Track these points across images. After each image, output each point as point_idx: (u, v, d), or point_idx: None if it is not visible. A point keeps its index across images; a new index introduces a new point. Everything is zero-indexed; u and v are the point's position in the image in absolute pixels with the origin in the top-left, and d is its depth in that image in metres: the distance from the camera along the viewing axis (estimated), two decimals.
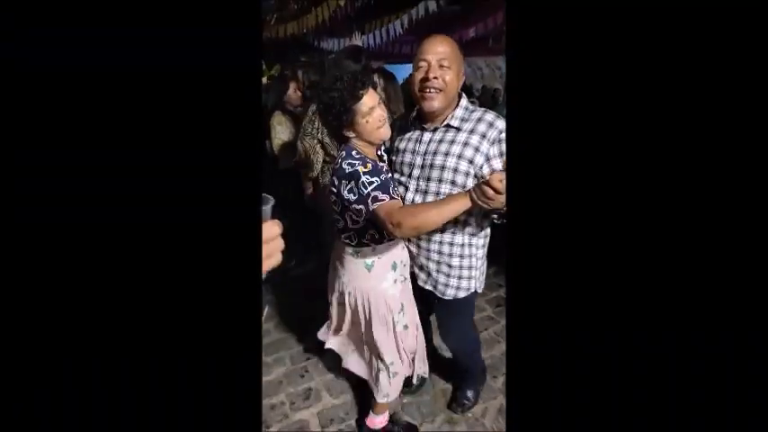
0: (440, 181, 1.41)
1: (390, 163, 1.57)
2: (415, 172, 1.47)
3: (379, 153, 1.52)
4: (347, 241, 1.51)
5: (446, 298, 1.59)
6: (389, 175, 1.42)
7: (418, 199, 1.45)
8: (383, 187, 1.29)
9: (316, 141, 2.36)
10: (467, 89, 5.27)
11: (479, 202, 1.14)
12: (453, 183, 1.38)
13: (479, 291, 1.63)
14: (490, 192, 1.08)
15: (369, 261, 1.53)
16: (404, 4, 5.63)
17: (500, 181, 1.06)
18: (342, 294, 1.61)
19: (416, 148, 1.48)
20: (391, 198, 1.29)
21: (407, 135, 1.54)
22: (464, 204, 1.19)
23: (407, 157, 1.51)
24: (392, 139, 1.58)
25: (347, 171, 1.32)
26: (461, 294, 1.58)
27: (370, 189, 1.27)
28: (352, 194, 1.31)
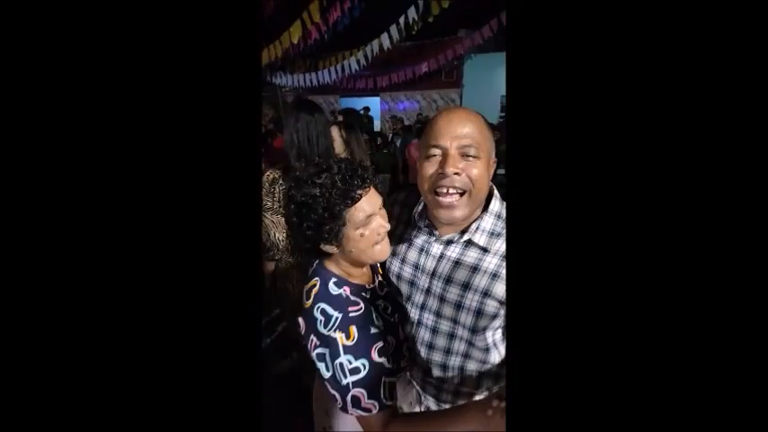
0: (455, 322, 0.95)
1: (384, 268, 1.09)
2: (418, 298, 1.00)
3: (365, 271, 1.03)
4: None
5: None
6: (377, 318, 0.94)
7: (423, 335, 1.01)
8: (371, 385, 0.83)
9: (279, 216, 1.69)
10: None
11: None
12: (474, 330, 0.92)
13: None
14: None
15: None
16: (357, 40, 6.66)
17: None
18: None
19: (421, 263, 1.00)
20: (381, 407, 0.83)
21: (411, 237, 1.04)
22: (471, 425, 0.80)
23: (407, 272, 1.03)
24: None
25: (317, 326, 0.84)
26: None
27: (349, 380, 0.81)
28: (325, 369, 0.84)
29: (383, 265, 1.09)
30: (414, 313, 1.03)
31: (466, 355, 0.98)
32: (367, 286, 0.99)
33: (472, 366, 0.99)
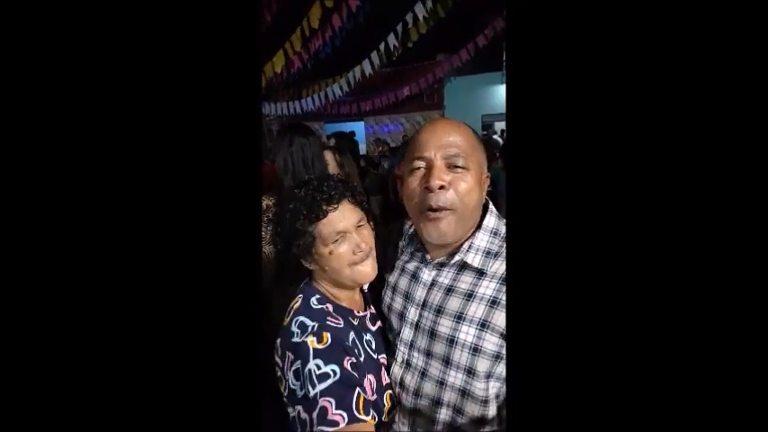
0: (447, 363, 0.78)
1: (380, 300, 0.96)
2: (406, 333, 0.86)
3: (365, 294, 0.97)
4: None
5: None
6: (358, 345, 0.83)
7: (410, 380, 0.84)
8: (340, 392, 0.71)
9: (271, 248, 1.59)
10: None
11: None
12: (471, 372, 0.75)
13: None
14: None
15: None
16: (339, 67, 6.77)
17: None
18: None
19: (410, 291, 0.87)
20: (351, 419, 0.70)
21: (402, 263, 0.93)
22: None
23: (398, 303, 0.90)
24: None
25: (292, 339, 0.77)
26: None
27: (317, 389, 0.71)
28: (296, 383, 0.74)
29: (378, 296, 0.97)
30: (402, 352, 0.86)
31: (457, 410, 0.77)
32: (355, 312, 0.89)
33: (465, 423, 0.77)
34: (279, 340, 0.81)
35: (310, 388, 0.70)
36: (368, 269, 0.84)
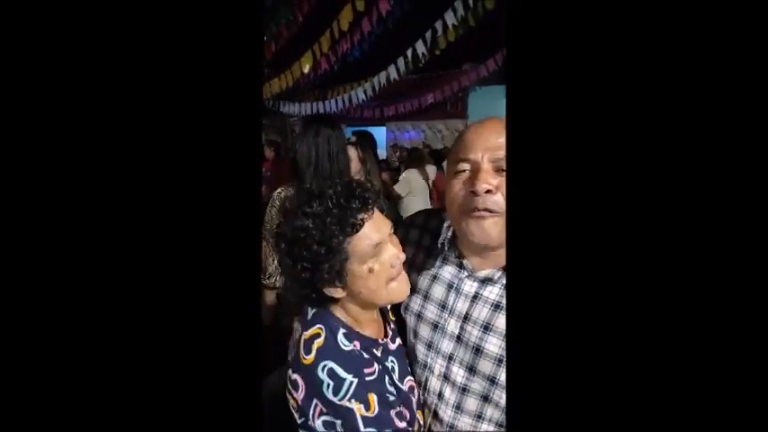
0: (492, 381, 0.75)
1: (406, 310, 0.89)
2: (445, 345, 0.81)
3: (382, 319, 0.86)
4: None
5: None
6: (388, 380, 0.77)
7: (449, 393, 0.80)
8: None
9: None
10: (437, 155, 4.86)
11: None
12: None
13: None
14: None
15: None
16: (366, 71, 6.81)
17: None
18: None
19: (450, 303, 0.82)
20: None
21: (435, 270, 0.87)
22: None
23: (431, 311, 0.85)
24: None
25: (325, 393, 0.69)
26: None
27: None
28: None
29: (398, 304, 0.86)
30: (438, 364, 0.82)
31: (501, 424, 0.77)
32: (379, 341, 0.80)
33: None
34: (299, 378, 0.71)
35: None
36: (405, 286, 0.76)
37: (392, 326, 0.87)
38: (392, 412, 0.71)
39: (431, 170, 3.81)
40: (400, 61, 5.30)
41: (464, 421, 0.80)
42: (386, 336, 0.83)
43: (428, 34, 4.70)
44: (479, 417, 0.78)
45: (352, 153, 2.08)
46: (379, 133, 10.18)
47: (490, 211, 0.70)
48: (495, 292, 0.77)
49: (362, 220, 0.69)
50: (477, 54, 6.45)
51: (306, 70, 5.27)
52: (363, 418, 0.67)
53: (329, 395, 0.68)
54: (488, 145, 0.71)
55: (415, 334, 0.86)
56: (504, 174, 0.69)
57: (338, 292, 0.72)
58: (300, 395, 0.70)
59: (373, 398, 0.69)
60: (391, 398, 0.74)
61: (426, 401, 0.85)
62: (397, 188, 3.46)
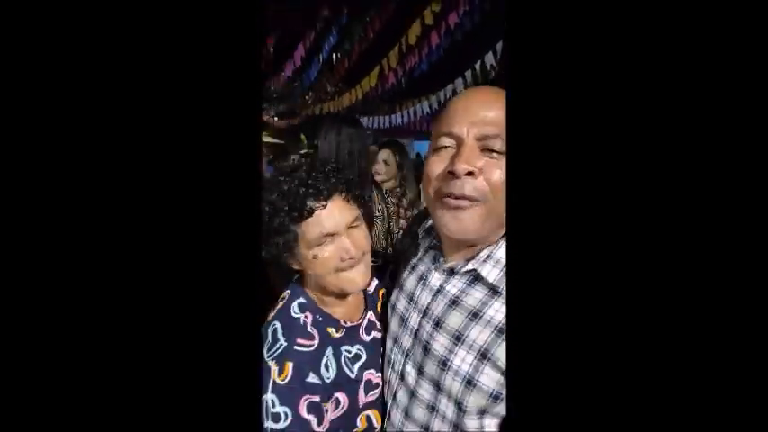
0: (437, 387, 0.66)
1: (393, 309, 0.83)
2: (405, 341, 0.75)
3: (366, 289, 0.87)
4: None
5: None
6: (332, 361, 0.76)
7: (402, 398, 0.73)
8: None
9: None
10: None
11: None
12: (461, 408, 0.62)
13: None
14: None
15: None
16: (434, 85, 6.81)
17: None
18: None
19: (416, 294, 0.76)
20: None
21: (416, 260, 0.81)
22: None
23: (401, 304, 0.79)
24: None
25: (264, 347, 0.73)
26: None
27: (269, 426, 0.69)
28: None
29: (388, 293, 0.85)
30: (399, 361, 0.75)
31: None
32: (342, 322, 0.79)
33: None
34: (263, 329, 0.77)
35: (265, 418, 0.68)
36: (356, 277, 0.74)
37: (373, 318, 0.86)
38: (304, 397, 0.70)
39: None
40: (468, 74, 5.25)
41: (411, 430, 0.70)
42: (358, 322, 0.82)
43: (498, 46, 4.62)
44: (426, 429, 0.68)
45: (386, 157, 2.08)
46: None
47: (468, 198, 0.59)
48: (457, 287, 0.68)
49: (312, 207, 0.70)
50: None
51: (373, 84, 5.41)
52: (273, 382, 0.69)
53: (264, 351, 0.73)
54: (475, 119, 0.60)
55: (387, 327, 0.81)
56: (493, 155, 0.59)
57: (296, 265, 0.77)
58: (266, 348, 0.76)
59: (289, 366, 0.71)
60: (315, 380, 0.72)
61: (386, 401, 0.79)
62: None
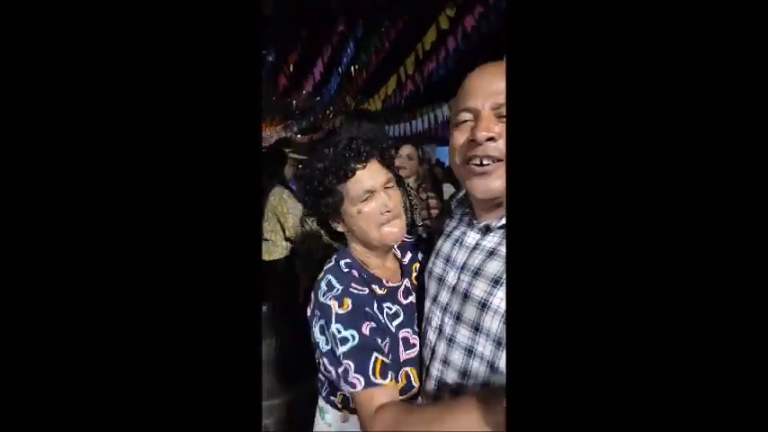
0: (476, 329, 0.72)
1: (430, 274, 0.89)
2: (443, 296, 0.82)
3: (402, 257, 0.99)
4: (318, 382, 0.96)
5: None
6: (378, 312, 0.85)
7: (440, 348, 0.79)
8: (359, 356, 0.77)
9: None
10: None
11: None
12: (500, 344, 0.68)
13: None
14: None
15: (333, 429, 0.93)
16: (453, 89, 6.80)
17: None
18: None
19: (452, 254, 0.83)
20: (367, 384, 0.74)
21: (450, 228, 0.88)
22: (484, 421, 0.58)
23: (438, 267, 0.86)
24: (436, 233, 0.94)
25: (319, 296, 0.82)
26: None
27: (340, 351, 0.77)
28: (321, 337, 0.81)
29: (424, 263, 0.95)
30: (436, 317, 0.82)
31: (486, 386, 0.70)
32: (384, 281, 0.90)
33: None
34: (312, 293, 0.86)
35: (336, 346, 0.78)
36: (396, 230, 0.86)
37: (409, 285, 0.95)
38: (365, 322, 0.79)
39: None
40: None
41: (450, 376, 0.76)
42: (397, 284, 0.93)
43: None
44: (464, 373, 0.74)
45: (409, 151, 2.23)
46: None
47: (492, 158, 0.68)
48: (493, 241, 0.75)
49: (354, 168, 0.82)
50: None
51: (389, 92, 5.46)
52: (336, 314, 0.78)
53: (319, 296, 0.82)
54: (489, 91, 0.69)
55: (425, 290, 0.89)
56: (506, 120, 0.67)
57: (341, 227, 0.89)
58: (310, 305, 0.85)
59: (348, 301, 0.81)
60: (369, 311, 0.82)
61: (423, 359, 0.85)
62: None
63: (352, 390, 0.76)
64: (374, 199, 0.84)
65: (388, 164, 0.90)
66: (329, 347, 0.80)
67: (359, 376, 0.75)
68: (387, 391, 0.76)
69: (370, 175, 0.84)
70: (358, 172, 0.83)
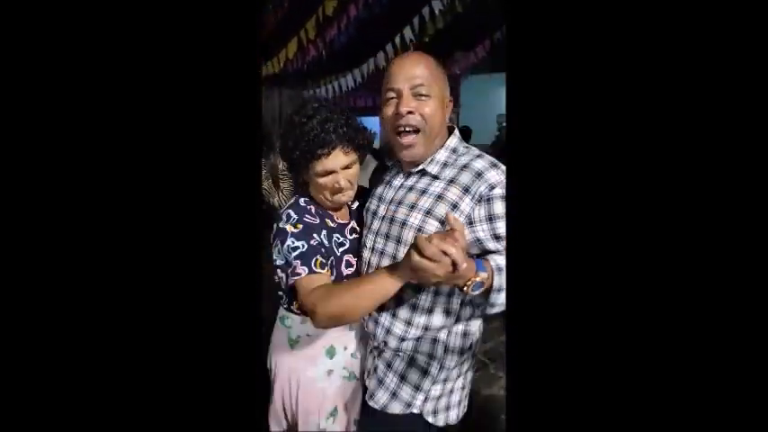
0: (398, 241, 1.00)
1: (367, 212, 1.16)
2: (375, 224, 1.09)
3: (351, 204, 1.23)
4: (280, 298, 1.17)
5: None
6: (326, 239, 1.08)
7: (374, 261, 1.07)
8: (305, 256, 0.99)
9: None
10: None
11: (420, 274, 0.76)
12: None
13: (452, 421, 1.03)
14: (432, 249, 0.72)
15: (293, 334, 1.13)
16: (357, 59, 6.75)
17: (445, 241, 0.74)
18: (269, 368, 1.19)
19: (384, 194, 1.12)
20: (310, 271, 0.97)
21: (385, 177, 1.18)
22: (392, 282, 0.82)
23: (374, 204, 1.14)
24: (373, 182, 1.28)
25: (278, 225, 1.06)
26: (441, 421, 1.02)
27: (292, 257, 1.00)
28: (279, 255, 1.05)
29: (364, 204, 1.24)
30: (370, 239, 1.12)
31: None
32: (335, 217, 1.18)
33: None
34: (274, 223, 1.09)
35: (288, 255, 1.03)
36: (344, 198, 1.11)
37: (355, 225, 1.23)
38: (312, 239, 1.05)
39: None
40: (389, 48, 5.24)
41: None
42: (345, 222, 1.21)
43: (416, 20, 4.65)
44: None
45: None
46: (372, 123, 10.08)
47: (412, 126, 0.99)
48: (412, 180, 1.07)
49: (320, 154, 1.03)
50: (468, 43, 6.38)
51: (291, 56, 5.21)
52: (290, 233, 1.05)
53: (280, 224, 1.08)
54: (408, 76, 0.98)
55: (364, 223, 1.19)
56: (422, 98, 0.98)
57: (306, 177, 1.13)
58: (272, 241, 1.08)
59: (301, 225, 1.07)
60: (316, 236, 1.08)
61: (360, 273, 1.15)
62: None
63: (297, 278, 1.00)
64: (330, 177, 1.06)
65: (356, 147, 1.08)
66: (285, 261, 1.04)
67: (304, 267, 1.00)
68: (323, 278, 1.01)
69: (331, 161, 1.05)
70: (323, 158, 1.03)
